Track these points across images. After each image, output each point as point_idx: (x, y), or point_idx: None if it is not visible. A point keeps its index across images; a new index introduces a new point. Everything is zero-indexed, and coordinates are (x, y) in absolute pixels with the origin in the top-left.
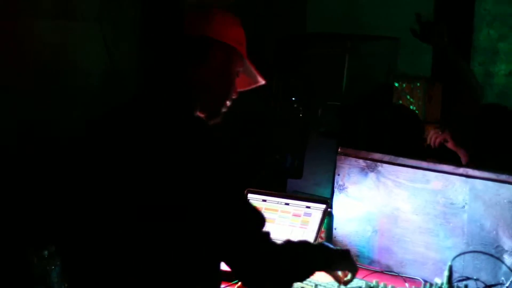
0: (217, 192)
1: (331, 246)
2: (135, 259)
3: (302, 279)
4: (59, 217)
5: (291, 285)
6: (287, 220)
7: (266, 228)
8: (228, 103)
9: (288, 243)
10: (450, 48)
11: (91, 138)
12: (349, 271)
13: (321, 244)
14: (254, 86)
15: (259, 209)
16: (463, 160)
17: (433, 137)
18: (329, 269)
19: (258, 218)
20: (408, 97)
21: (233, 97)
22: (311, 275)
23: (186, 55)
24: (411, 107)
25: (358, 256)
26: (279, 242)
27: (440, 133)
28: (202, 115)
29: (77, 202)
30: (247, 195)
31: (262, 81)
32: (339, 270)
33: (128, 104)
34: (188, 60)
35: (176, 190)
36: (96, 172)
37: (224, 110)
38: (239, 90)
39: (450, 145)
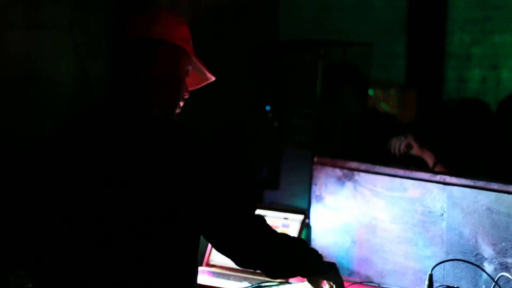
0: (206, 175)
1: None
2: (122, 262)
3: (291, 271)
4: (32, 228)
5: (280, 273)
6: None
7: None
8: (181, 103)
9: (284, 234)
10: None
11: (57, 147)
12: (335, 283)
13: (313, 248)
14: (205, 83)
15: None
16: (430, 163)
17: (396, 144)
18: (318, 274)
19: (253, 201)
20: (383, 104)
21: (185, 96)
22: (301, 272)
23: (134, 57)
24: None
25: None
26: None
27: (402, 139)
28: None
29: (46, 213)
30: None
31: (212, 78)
32: (325, 279)
33: (88, 112)
34: (136, 62)
35: (160, 188)
36: (66, 182)
37: (177, 110)
38: (190, 89)
39: (415, 150)
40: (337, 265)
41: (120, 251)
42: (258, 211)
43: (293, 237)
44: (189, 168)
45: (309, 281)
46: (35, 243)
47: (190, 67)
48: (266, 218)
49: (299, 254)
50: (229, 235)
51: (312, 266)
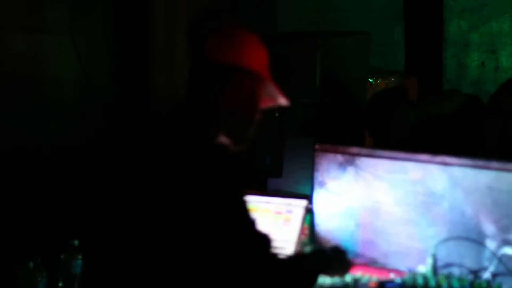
0: (225, 213)
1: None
2: (145, 275)
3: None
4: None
5: None
6: (269, 219)
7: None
8: (253, 128)
9: (290, 260)
10: None
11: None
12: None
13: (317, 252)
14: (274, 104)
15: (265, 231)
16: None
17: None
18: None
19: (265, 239)
20: None
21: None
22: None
23: (211, 82)
24: None
25: None
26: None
27: None
28: (227, 141)
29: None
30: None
31: (284, 102)
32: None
33: (158, 126)
34: (212, 87)
35: (187, 212)
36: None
37: (250, 135)
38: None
39: None
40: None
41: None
42: (261, 198)
43: (298, 261)
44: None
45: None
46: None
47: (264, 91)
48: (269, 205)
49: (309, 278)
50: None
51: (319, 273)
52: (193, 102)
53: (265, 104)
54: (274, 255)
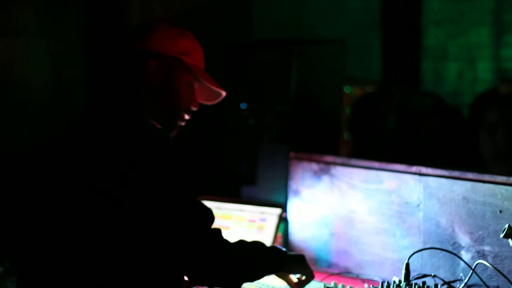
0: (166, 192)
1: (284, 249)
2: (89, 272)
3: (252, 279)
4: (15, 231)
5: (240, 284)
6: (242, 226)
7: (215, 226)
8: (185, 115)
9: (241, 242)
10: None
11: (47, 155)
12: (304, 274)
13: (274, 246)
14: (220, 98)
15: (208, 208)
16: None
17: None
18: (282, 271)
19: (208, 216)
20: None
21: (193, 109)
22: (262, 276)
23: (128, 69)
24: None
25: (316, 260)
26: (231, 241)
27: None
28: (158, 127)
29: (33, 216)
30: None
31: (222, 93)
32: (293, 273)
33: (79, 120)
34: (130, 73)
35: (129, 200)
36: (51, 186)
37: (180, 122)
38: (205, 103)
39: None
40: (315, 257)
41: (97, 258)
42: (235, 206)
43: (250, 243)
44: (151, 180)
45: (277, 275)
46: (26, 244)
47: (193, 81)
48: (243, 213)
49: (258, 261)
50: (185, 251)
51: (273, 266)
52: (114, 90)
53: (206, 95)
54: (219, 235)
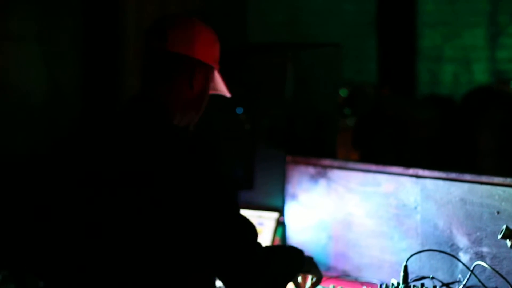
0: (214, 201)
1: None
2: (121, 273)
3: (286, 284)
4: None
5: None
6: None
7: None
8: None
9: (272, 249)
10: None
11: (77, 150)
12: (315, 275)
13: (293, 247)
14: (217, 93)
15: (250, 220)
16: None
17: None
18: (302, 272)
19: (252, 228)
20: None
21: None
22: (292, 279)
23: (170, 72)
24: None
25: None
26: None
27: None
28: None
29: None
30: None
31: (227, 94)
32: (309, 274)
33: (113, 116)
34: (171, 77)
35: (170, 201)
36: (82, 184)
37: (197, 120)
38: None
39: None
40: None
41: (121, 253)
42: None
43: (283, 250)
44: (199, 186)
45: None
46: (44, 243)
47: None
48: None
49: (293, 267)
50: (230, 263)
51: (298, 268)
52: (150, 91)
53: (210, 92)
54: (261, 247)
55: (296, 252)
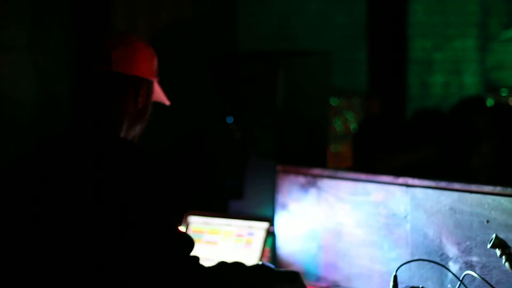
0: (148, 215)
1: (273, 266)
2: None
3: None
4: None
5: None
6: (230, 241)
7: (194, 252)
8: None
9: (219, 265)
10: None
11: (24, 169)
12: None
13: (258, 265)
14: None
15: (188, 234)
16: None
17: None
18: None
19: (186, 242)
20: (346, 113)
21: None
22: None
23: (115, 91)
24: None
25: (304, 273)
26: (210, 264)
27: None
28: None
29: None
30: (186, 218)
31: (167, 102)
32: None
33: (59, 137)
34: (116, 96)
35: (108, 214)
36: (28, 202)
37: (140, 133)
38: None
39: None
40: (304, 271)
41: (77, 268)
42: (223, 221)
43: (229, 265)
44: (132, 197)
45: None
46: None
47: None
48: (231, 227)
49: (239, 284)
50: (160, 275)
51: (258, 286)
52: (95, 110)
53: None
54: (196, 262)
55: (258, 270)
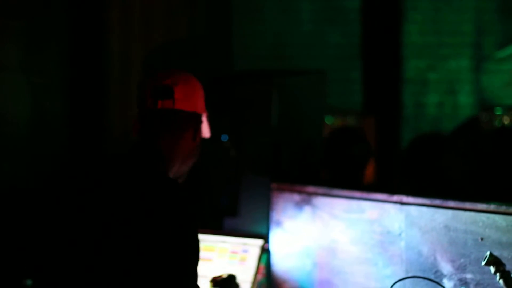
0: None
1: None
2: None
3: None
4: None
5: None
6: (225, 258)
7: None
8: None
9: None
10: None
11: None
12: None
13: None
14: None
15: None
16: None
17: None
18: None
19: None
20: None
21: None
22: None
23: (178, 128)
24: None
25: None
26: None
27: None
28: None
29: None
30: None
31: (207, 135)
32: None
33: (112, 160)
34: (178, 132)
35: (143, 245)
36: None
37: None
38: None
39: None
40: (296, 287)
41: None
42: (218, 238)
43: None
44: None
45: None
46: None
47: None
48: (225, 244)
49: None
50: None
51: None
52: (147, 142)
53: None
54: None
55: None
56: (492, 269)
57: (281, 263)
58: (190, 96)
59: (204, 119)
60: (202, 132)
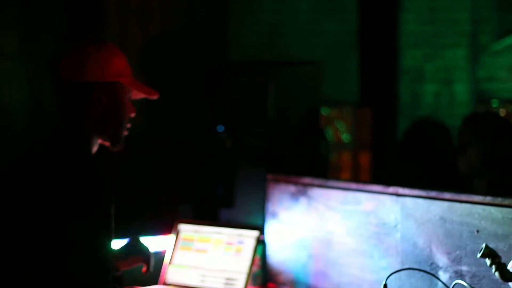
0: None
1: None
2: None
3: None
4: None
5: None
6: (220, 249)
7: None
8: (128, 125)
9: None
10: None
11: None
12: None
13: None
14: (147, 96)
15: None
16: None
17: None
18: None
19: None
20: (337, 123)
21: (132, 116)
22: None
23: (71, 101)
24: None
25: (294, 282)
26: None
27: None
28: (106, 144)
29: None
30: (177, 226)
31: (155, 96)
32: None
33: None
34: (74, 105)
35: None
36: None
37: (125, 133)
38: (134, 98)
39: None
40: (294, 279)
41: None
42: (213, 229)
43: None
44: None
45: None
46: None
47: (130, 94)
48: (221, 235)
49: None
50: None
51: None
52: (66, 120)
53: (136, 97)
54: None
55: None
56: (488, 261)
57: (276, 254)
58: (78, 66)
59: (130, 83)
60: (128, 97)
